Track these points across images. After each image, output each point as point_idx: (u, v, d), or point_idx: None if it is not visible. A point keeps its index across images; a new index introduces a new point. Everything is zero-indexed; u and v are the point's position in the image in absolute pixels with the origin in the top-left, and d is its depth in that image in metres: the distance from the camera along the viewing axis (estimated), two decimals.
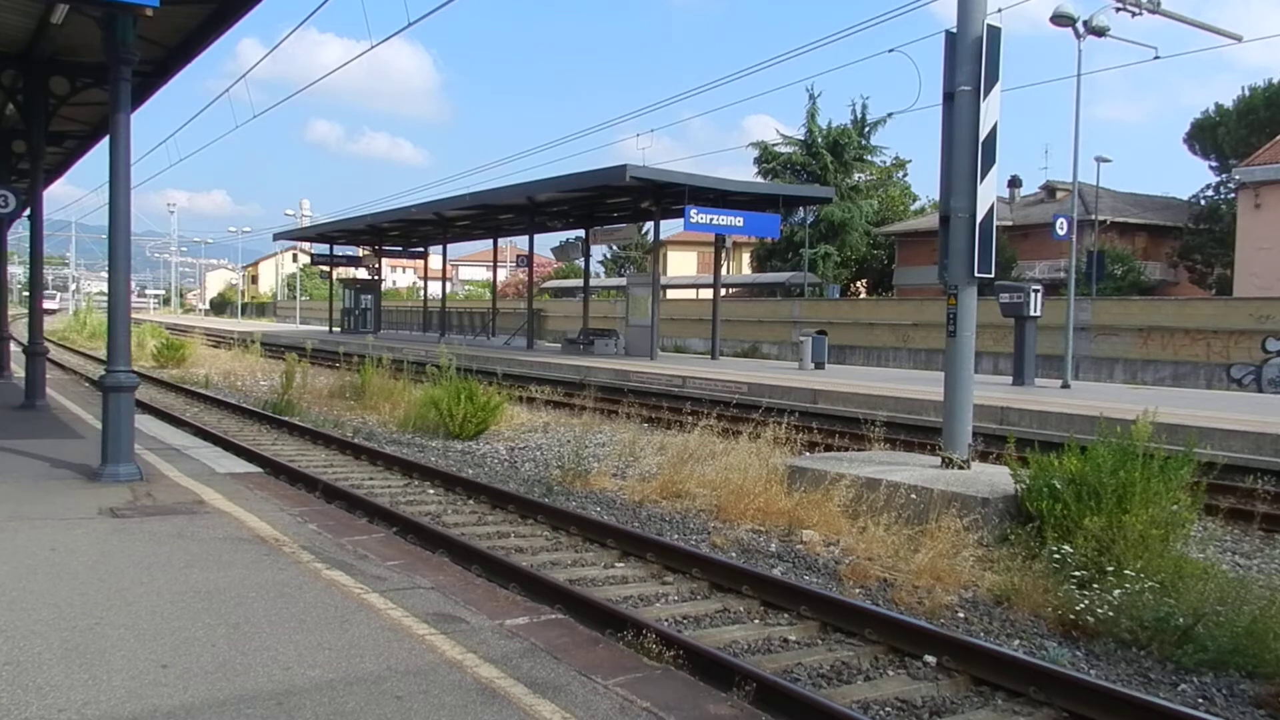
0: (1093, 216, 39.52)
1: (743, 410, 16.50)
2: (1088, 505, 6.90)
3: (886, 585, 6.87)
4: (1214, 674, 5.36)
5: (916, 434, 14.43)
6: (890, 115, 51.95)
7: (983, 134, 9.17)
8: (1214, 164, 44.51)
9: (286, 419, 15.52)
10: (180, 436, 11.59)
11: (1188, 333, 26.51)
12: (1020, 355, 20.18)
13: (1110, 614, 5.84)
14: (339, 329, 48.04)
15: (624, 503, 9.68)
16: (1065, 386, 20.01)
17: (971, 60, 9.21)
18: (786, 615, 6.24)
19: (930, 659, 5.43)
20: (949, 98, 9.39)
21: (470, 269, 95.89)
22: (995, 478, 8.56)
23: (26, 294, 33.06)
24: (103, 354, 16.88)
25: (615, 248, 63.81)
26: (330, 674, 3.90)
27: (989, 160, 9.22)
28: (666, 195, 25.90)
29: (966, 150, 9.22)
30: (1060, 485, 7.23)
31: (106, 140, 8.58)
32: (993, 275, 9.60)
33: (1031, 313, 19.96)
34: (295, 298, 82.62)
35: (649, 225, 32.61)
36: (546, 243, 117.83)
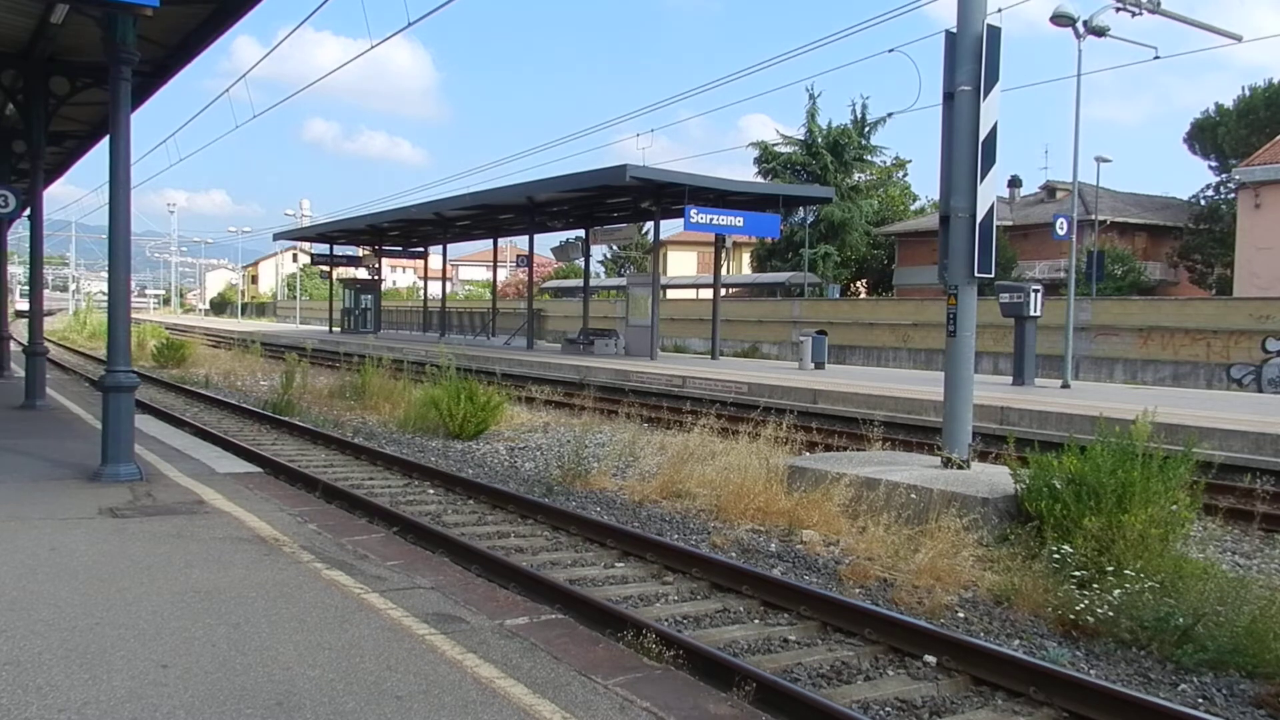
0: (1093, 216, 39.54)
1: (742, 410, 16.51)
2: (1087, 505, 6.90)
3: (886, 585, 6.87)
4: (1214, 674, 5.36)
5: (916, 434, 14.44)
6: (890, 115, 52.01)
7: (983, 134, 9.17)
8: (1214, 164, 44.56)
9: (286, 419, 15.51)
10: (180, 437, 11.59)
11: (1188, 333, 26.52)
12: (1020, 355, 20.19)
13: (1110, 614, 5.84)
14: (339, 329, 48.07)
15: (624, 503, 9.68)
16: (1065, 386, 20.01)
17: (971, 60, 9.21)
18: (786, 615, 6.24)
19: (930, 659, 5.43)
20: (949, 98, 9.40)
21: (470, 269, 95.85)
22: (995, 478, 8.56)
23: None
24: (103, 354, 16.89)
25: (615, 248, 63.80)
26: (330, 674, 3.90)
27: (989, 160, 9.23)
28: (666, 195, 25.91)
29: (966, 150, 9.22)
30: (1060, 485, 7.23)
31: (106, 140, 8.59)
32: (993, 275, 9.60)
33: (1031, 313, 19.96)
34: (295, 298, 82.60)
35: (649, 225, 32.63)
36: (546, 243, 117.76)
